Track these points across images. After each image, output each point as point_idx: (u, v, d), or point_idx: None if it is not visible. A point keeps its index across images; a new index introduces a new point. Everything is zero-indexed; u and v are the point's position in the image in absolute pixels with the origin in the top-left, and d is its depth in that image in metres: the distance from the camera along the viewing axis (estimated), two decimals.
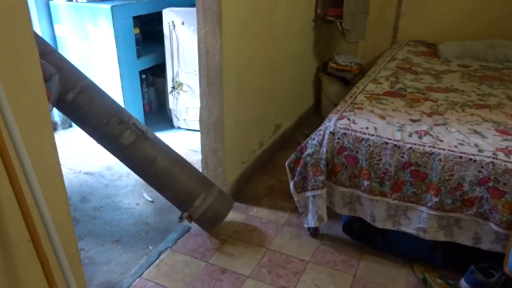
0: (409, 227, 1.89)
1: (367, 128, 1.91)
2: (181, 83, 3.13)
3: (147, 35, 3.29)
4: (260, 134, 2.75)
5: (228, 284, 1.87)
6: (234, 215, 2.33)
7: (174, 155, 2.11)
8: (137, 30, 3.03)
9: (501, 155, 1.69)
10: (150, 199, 2.50)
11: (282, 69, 2.84)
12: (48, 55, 1.79)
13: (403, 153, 1.81)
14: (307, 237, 2.17)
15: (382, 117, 1.99)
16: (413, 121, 1.97)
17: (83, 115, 1.87)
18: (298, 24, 2.97)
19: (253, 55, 2.41)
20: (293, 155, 2.06)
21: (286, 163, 2.08)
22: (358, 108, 2.09)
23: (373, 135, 1.87)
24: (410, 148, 1.80)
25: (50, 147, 1.26)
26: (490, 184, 1.69)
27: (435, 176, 1.77)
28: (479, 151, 1.72)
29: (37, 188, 1.06)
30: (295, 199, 2.06)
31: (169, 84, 3.18)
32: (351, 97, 2.27)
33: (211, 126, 2.29)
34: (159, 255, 2.05)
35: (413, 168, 1.81)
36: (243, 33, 2.26)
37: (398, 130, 1.88)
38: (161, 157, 2.01)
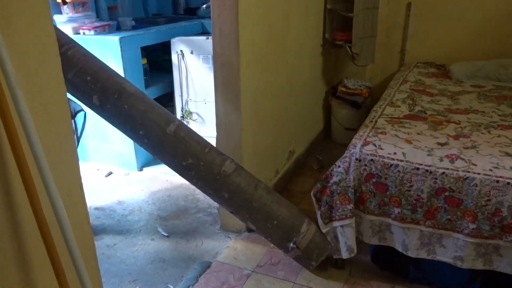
0: (445, 255, 1.80)
1: (395, 153, 1.84)
2: (191, 112, 3.07)
3: (153, 65, 3.25)
4: (275, 161, 2.68)
5: None
6: (255, 247, 2.24)
7: (260, 180, 2.05)
8: (144, 61, 2.99)
9: None
10: (165, 234, 2.40)
11: (294, 94, 2.80)
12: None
13: (436, 178, 1.74)
14: (334, 269, 2.07)
15: (409, 142, 1.93)
16: (441, 144, 1.91)
17: (186, 146, 1.79)
18: (307, 50, 2.95)
19: (267, 81, 2.37)
20: (318, 184, 1.99)
21: (312, 193, 2.00)
22: (382, 133, 2.03)
23: (402, 160, 1.81)
24: (443, 173, 1.73)
25: (77, 188, 1.18)
26: None
27: (471, 202, 1.70)
28: None
29: (71, 235, 0.98)
30: (324, 230, 1.97)
31: (178, 114, 3.13)
32: (371, 121, 2.21)
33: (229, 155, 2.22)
34: None
35: (447, 194, 1.74)
36: (259, 60, 2.22)
37: (428, 155, 1.82)
38: (261, 183, 1.95)
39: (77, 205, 1.19)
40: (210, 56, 2.81)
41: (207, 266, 2.12)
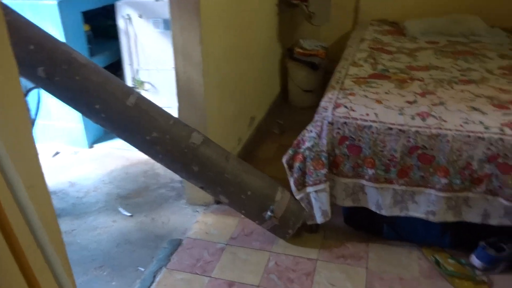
0: (418, 211, 1.83)
1: (367, 114, 1.81)
2: (143, 82, 2.86)
3: (97, 31, 2.97)
4: (238, 129, 2.59)
5: None
6: (226, 220, 2.17)
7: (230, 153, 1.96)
8: (87, 27, 2.71)
9: (507, 131, 1.67)
10: (128, 214, 2.26)
11: (251, 57, 2.68)
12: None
13: (409, 137, 1.74)
14: (308, 234, 2.05)
15: (379, 102, 1.90)
16: (410, 103, 1.90)
17: (150, 119, 1.66)
18: (263, 10, 2.81)
19: (228, 45, 2.24)
20: (290, 151, 1.93)
21: (283, 160, 1.94)
22: (351, 94, 1.99)
23: (375, 121, 1.78)
24: (416, 131, 1.73)
25: (39, 178, 1.03)
26: (500, 160, 1.67)
27: (443, 158, 1.72)
28: (486, 128, 1.69)
29: (39, 225, 0.84)
30: (297, 197, 1.93)
31: (129, 83, 2.90)
32: (338, 82, 2.16)
33: (192, 124, 2.09)
34: (154, 276, 1.83)
35: (420, 152, 1.74)
36: (219, 23, 2.07)
37: (399, 114, 1.80)
38: (230, 154, 1.86)
39: (41, 198, 1.04)
40: (161, 20, 2.60)
41: (177, 244, 2.02)
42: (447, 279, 1.78)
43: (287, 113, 3.34)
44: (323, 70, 3.31)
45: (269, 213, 1.83)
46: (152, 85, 2.87)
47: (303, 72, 3.26)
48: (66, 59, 1.50)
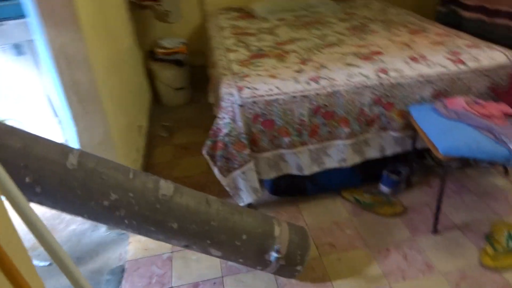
0: (332, 162, 2.09)
1: (270, 89, 1.96)
2: (4, 120, 2.50)
3: None
4: (134, 140, 2.49)
5: None
6: None
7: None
8: None
9: (382, 75, 2.01)
10: (46, 263, 2.01)
11: (125, 66, 2.58)
12: None
13: (311, 100, 1.95)
14: None
15: (273, 76, 2.07)
16: (298, 71, 2.12)
17: (102, 179, 1.30)
18: (120, 16, 2.71)
19: (107, 56, 2.12)
20: (208, 142, 1.97)
21: (204, 152, 1.97)
22: (245, 76, 2.11)
23: (279, 94, 1.95)
24: (316, 94, 1.95)
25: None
26: (383, 100, 2.01)
27: (342, 110, 1.99)
28: (366, 77, 2.01)
29: None
30: (224, 183, 2.00)
31: None
32: (226, 69, 2.26)
33: (97, 148, 1.95)
34: None
35: (323, 110, 1.98)
36: (97, 33, 1.95)
37: (296, 83, 2.00)
38: (208, 195, 1.55)
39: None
40: (9, 45, 2.29)
41: (121, 270, 1.90)
42: (370, 210, 2.09)
43: (166, 114, 3.31)
44: (188, 66, 3.36)
45: (274, 254, 1.55)
46: (17, 120, 2.53)
47: (170, 71, 3.25)
48: None
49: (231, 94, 1.97)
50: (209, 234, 1.47)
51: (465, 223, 1.97)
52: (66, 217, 2.31)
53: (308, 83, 1.99)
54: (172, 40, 3.31)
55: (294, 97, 1.94)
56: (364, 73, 2.03)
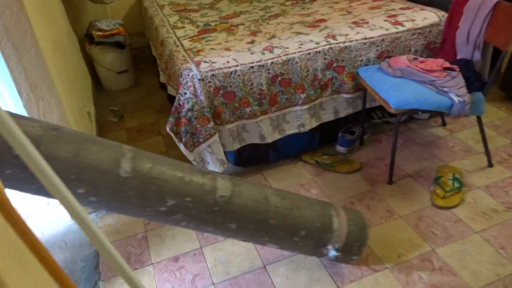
0: (292, 128, 2.18)
1: (228, 62, 1.99)
2: None
3: None
4: (86, 128, 2.40)
5: (191, 264, 1.76)
6: None
7: (262, 185, 1.57)
8: None
9: (331, 40, 2.12)
10: None
11: (67, 50, 2.46)
12: None
13: (268, 69, 2.01)
14: None
15: (228, 49, 2.10)
16: (251, 43, 2.16)
17: (157, 185, 1.20)
18: None
19: (53, 39, 2.01)
20: (171, 118, 1.97)
21: (168, 129, 1.97)
22: (199, 51, 2.11)
23: (237, 65, 1.98)
24: (272, 63, 2.01)
25: None
26: (334, 65, 2.12)
27: (297, 77, 2.07)
28: (317, 43, 2.10)
29: None
30: (191, 158, 2.01)
31: None
32: (177, 45, 2.24)
33: None
34: None
35: (280, 78, 2.05)
36: (39, 14, 1.84)
37: (251, 53, 2.04)
38: (267, 189, 1.46)
39: None
40: None
41: (95, 256, 1.87)
42: (330, 169, 2.22)
43: (110, 99, 3.20)
44: (128, 47, 3.26)
45: (333, 252, 1.52)
46: None
47: (110, 54, 3.13)
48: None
49: (190, 69, 1.97)
50: (268, 231, 1.43)
51: (415, 171, 2.17)
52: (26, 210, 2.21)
53: (262, 53, 2.04)
54: (108, 21, 3.18)
55: (252, 67, 1.99)
56: (315, 40, 2.12)
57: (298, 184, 2.15)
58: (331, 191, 2.08)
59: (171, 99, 2.63)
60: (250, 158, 2.27)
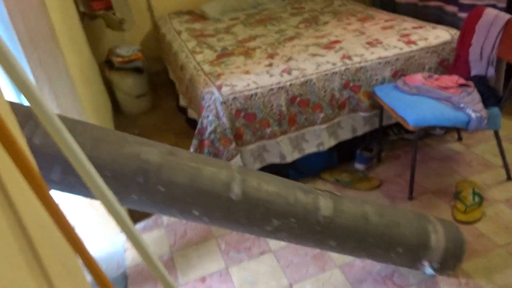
0: (311, 147, 2.23)
1: (248, 85, 2.06)
2: None
3: None
4: None
5: (218, 284, 1.79)
6: (152, 233, 2.12)
7: (362, 199, 1.58)
8: None
9: (347, 61, 2.18)
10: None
11: (91, 77, 2.55)
12: None
13: (287, 90, 2.08)
14: None
15: (247, 72, 2.17)
16: (269, 66, 2.23)
17: (265, 207, 1.27)
18: (76, 25, 2.66)
19: (81, 68, 2.10)
20: (194, 140, 2.03)
21: (191, 151, 2.02)
22: (220, 75, 2.19)
23: (257, 88, 2.05)
24: (290, 84, 2.08)
25: None
26: (351, 84, 2.18)
27: (316, 97, 2.13)
28: (333, 64, 2.16)
29: None
30: None
31: None
32: (198, 70, 2.32)
33: None
34: None
35: (298, 99, 2.11)
36: (70, 45, 1.94)
37: (270, 76, 2.11)
38: (368, 208, 1.48)
39: None
40: None
41: (123, 278, 1.91)
42: (350, 187, 2.25)
43: (131, 123, 3.28)
44: (146, 71, 3.36)
45: (430, 270, 1.55)
46: None
47: (129, 79, 3.23)
48: (136, 169, 1.10)
49: (212, 93, 2.04)
50: (366, 249, 1.46)
51: (434, 186, 2.19)
52: None
53: (281, 75, 2.11)
54: (127, 48, 3.29)
55: (272, 89, 2.05)
56: (331, 61, 2.19)
57: None
58: None
59: (190, 122, 2.70)
60: None
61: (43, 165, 1.02)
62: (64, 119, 1.13)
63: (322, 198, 1.39)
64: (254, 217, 1.27)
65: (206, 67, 2.32)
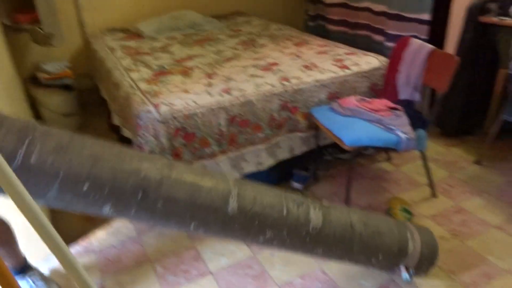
0: (250, 167, 2.23)
1: (187, 104, 2.02)
2: None
3: None
4: None
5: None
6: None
7: (348, 208, 1.62)
8: None
9: (286, 83, 2.23)
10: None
11: (14, 94, 2.36)
12: None
13: (227, 110, 2.07)
14: (171, 231, 2.14)
15: (186, 91, 2.13)
16: (208, 85, 2.22)
17: (259, 220, 1.33)
18: None
19: (4, 84, 1.94)
20: None
21: None
22: (157, 93, 2.13)
23: (197, 107, 2.02)
24: (231, 104, 2.08)
25: None
26: (289, 105, 2.23)
27: (255, 117, 2.15)
28: (272, 86, 2.20)
29: None
30: None
31: None
32: (134, 88, 2.24)
33: None
34: None
35: (238, 119, 2.11)
36: None
37: (210, 95, 2.09)
38: (354, 217, 1.55)
39: None
40: None
41: None
42: None
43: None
44: (76, 89, 3.19)
45: (407, 276, 1.65)
46: None
47: (58, 97, 3.05)
48: (136, 186, 1.12)
49: (149, 112, 1.97)
50: (350, 255, 1.54)
51: (368, 203, 2.28)
52: None
53: (221, 95, 2.10)
54: (55, 64, 3.11)
55: (212, 109, 2.03)
56: (270, 82, 2.22)
57: None
58: None
59: (124, 140, 2.59)
60: None
61: (40, 184, 1.03)
62: (61, 134, 1.12)
63: (312, 209, 1.47)
64: (249, 230, 1.33)
65: (143, 86, 2.25)
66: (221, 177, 1.33)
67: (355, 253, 1.53)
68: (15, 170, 0.81)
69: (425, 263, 1.68)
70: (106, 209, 1.14)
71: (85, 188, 1.07)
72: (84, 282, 0.77)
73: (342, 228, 1.50)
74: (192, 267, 1.91)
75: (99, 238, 2.14)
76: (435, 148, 2.80)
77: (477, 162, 2.60)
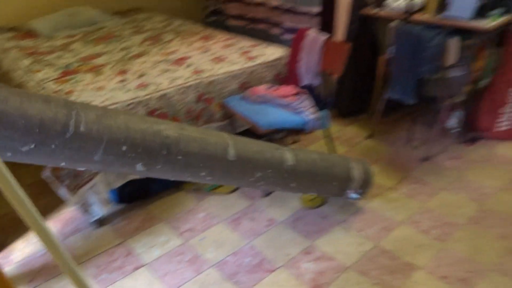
0: None
1: (106, 99, 2.02)
2: None
3: None
4: None
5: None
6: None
7: (309, 150, 2.01)
8: None
9: (198, 76, 2.34)
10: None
11: None
12: None
13: (146, 105, 2.11)
14: (97, 231, 2.13)
15: (101, 88, 2.13)
16: (122, 81, 2.23)
17: (252, 164, 1.65)
18: None
19: None
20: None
21: (44, 176, 1.89)
22: (69, 92, 2.09)
23: (114, 103, 2.03)
24: (148, 98, 2.12)
25: None
26: (205, 97, 2.34)
27: (173, 110, 2.22)
28: (186, 79, 2.29)
29: None
30: (73, 202, 1.96)
31: None
32: (41, 88, 2.16)
33: None
34: None
35: (157, 113, 2.16)
36: None
37: (126, 91, 2.12)
38: (315, 156, 1.94)
39: None
40: None
41: None
42: (212, 192, 2.40)
43: None
44: None
45: (354, 195, 2.14)
46: None
47: None
48: (161, 144, 1.31)
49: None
50: (316, 185, 1.94)
51: None
52: None
53: (138, 90, 2.14)
54: None
55: (130, 104, 2.06)
56: (183, 76, 2.31)
57: (186, 211, 2.26)
58: (218, 211, 2.26)
59: None
60: (132, 194, 2.29)
61: (89, 148, 1.16)
62: (94, 106, 1.21)
63: (286, 151, 1.82)
64: (245, 172, 1.63)
65: (51, 85, 2.18)
66: (217, 133, 1.59)
67: (319, 182, 1.94)
68: (69, 138, 1.07)
69: (365, 186, 2.16)
70: (139, 166, 1.31)
71: (124, 149, 1.23)
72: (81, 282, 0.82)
73: (308, 163, 1.88)
74: (126, 262, 1.94)
75: (20, 248, 2.04)
76: (334, 127, 3.14)
77: (369, 137, 2.99)
